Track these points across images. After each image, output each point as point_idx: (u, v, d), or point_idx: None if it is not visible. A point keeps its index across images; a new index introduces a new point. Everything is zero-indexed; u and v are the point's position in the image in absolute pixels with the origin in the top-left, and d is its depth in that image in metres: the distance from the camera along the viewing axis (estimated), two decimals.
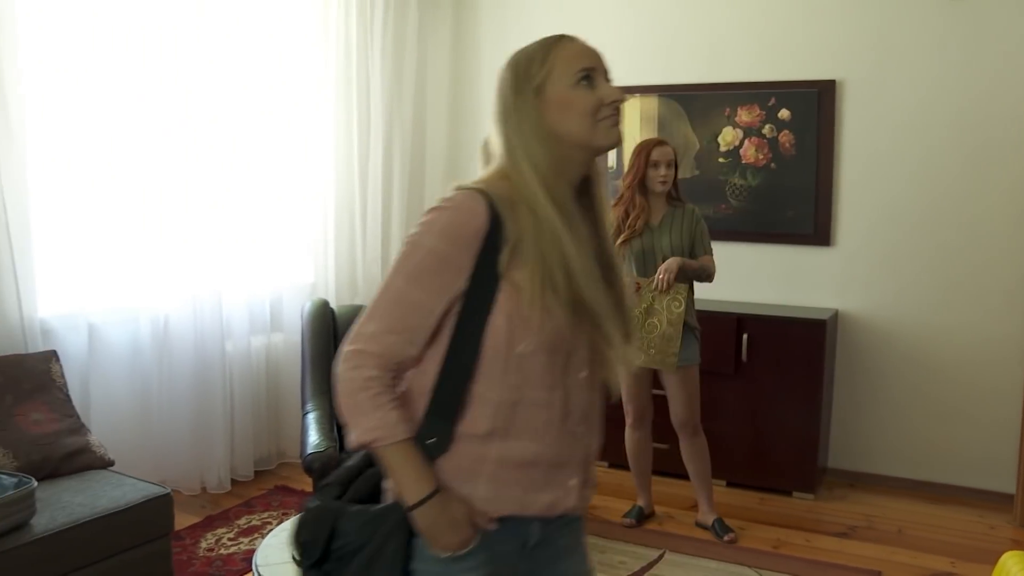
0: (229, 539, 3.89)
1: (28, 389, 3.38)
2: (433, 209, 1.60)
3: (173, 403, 4.24)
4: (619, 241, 3.91)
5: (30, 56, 3.61)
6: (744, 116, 4.90)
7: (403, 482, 1.54)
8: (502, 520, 1.60)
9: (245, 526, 4.04)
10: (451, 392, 1.58)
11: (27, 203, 3.56)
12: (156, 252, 4.14)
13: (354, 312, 4.25)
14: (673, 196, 4.02)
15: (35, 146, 3.64)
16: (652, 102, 5.11)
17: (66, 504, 3.00)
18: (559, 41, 1.68)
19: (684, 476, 4.62)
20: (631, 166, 3.98)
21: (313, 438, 3.66)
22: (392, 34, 5.27)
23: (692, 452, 4.08)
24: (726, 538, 3.97)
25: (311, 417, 3.84)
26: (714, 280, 4.00)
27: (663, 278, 3.81)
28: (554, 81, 1.63)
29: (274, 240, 4.81)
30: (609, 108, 1.63)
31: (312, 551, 1.58)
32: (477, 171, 1.75)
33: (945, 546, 3.98)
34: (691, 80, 5.03)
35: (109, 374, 4.00)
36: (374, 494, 1.67)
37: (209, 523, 4.05)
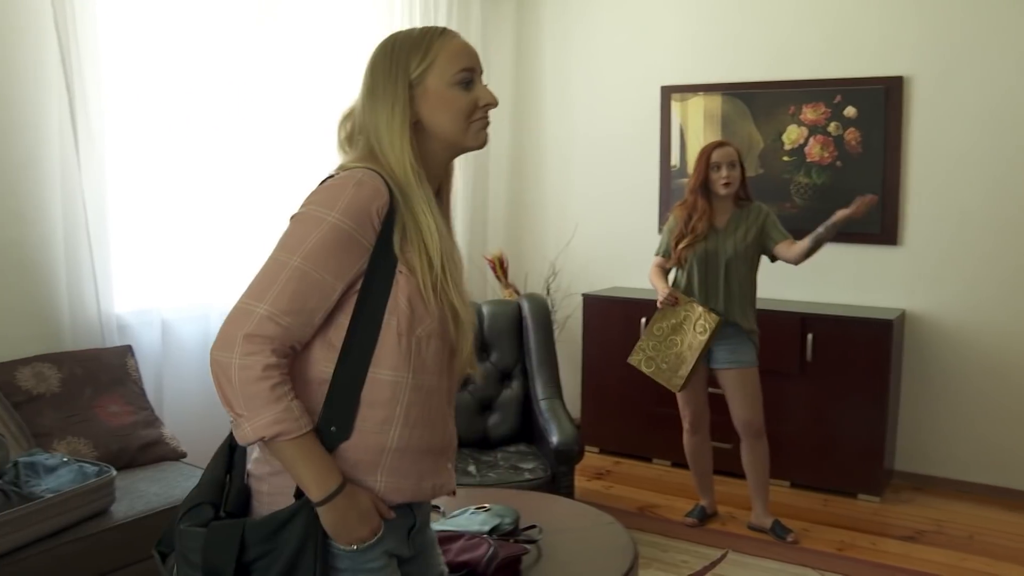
0: None
1: (106, 382, 3.51)
2: (331, 185, 1.55)
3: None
4: (682, 246, 3.90)
5: (109, 62, 3.73)
6: (809, 114, 4.85)
7: (309, 477, 1.47)
8: (396, 507, 1.59)
9: None
10: (351, 378, 1.53)
11: (105, 204, 3.68)
12: (226, 251, 4.23)
13: None
14: (741, 197, 3.97)
15: (113, 148, 3.75)
16: (715, 100, 5.09)
17: (143, 493, 3.11)
18: (442, 35, 1.66)
19: (746, 476, 4.62)
20: (694, 170, 3.96)
21: None
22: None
23: (753, 456, 4.04)
24: (789, 539, 3.94)
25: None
26: (798, 264, 3.88)
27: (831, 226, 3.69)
28: (434, 76, 1.61)
29: None
30: (482, 111, 1.64)
31: (225, 573, 1.49)
32: (341, 145, 1.74)
33: (1019, 553, 3.90)
34: (755, 78, 4.99)
35: (181, 369, 4.11)
36: (245, 502, 1.59)
37: None
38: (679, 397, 4.06)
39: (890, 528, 4.16)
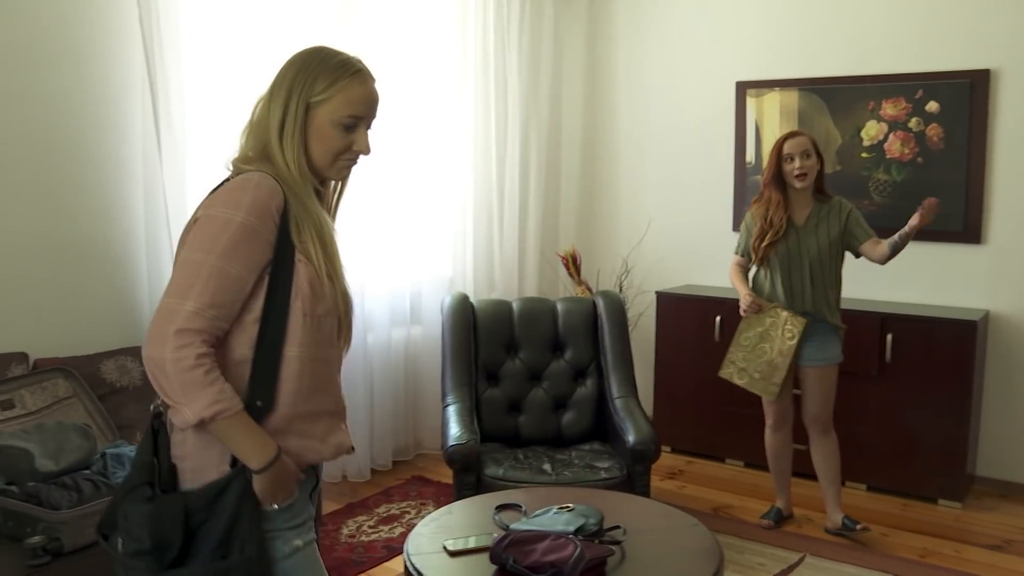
0: (369, 527, 4.01)
1: None
2: (232, 189, 1.72)
3: None
4: (763, 244, 3.79)
5: (192, 60, 3.79)
6: (889, 109, 4.73)
7: (248, 448, 1.65)
8: (303, 470, 1.78)
9: (384, 514, 4.15)
10: (270, 357, 1.71)
11: (185, 201, 3.73)
12: None
13: (494, 305, 4.33)
14: (821, 191, 3.83)
15: (194, 146, 3.82)
16: (792, 96, 5.00)
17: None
18: (352, 78, 1.82)
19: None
20: (767, 162, 3.86)
21: (454, 430, 3.73)
22: (529, 29, 5.32)
23: (823, 451, 3.94)
24: (859, 527, 3.85)
25: (452, 409, 3.92)
26: (883, 264, 3.79)
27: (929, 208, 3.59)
28: (325, 109, 1.79)
29: (414, 235, 4.90)
30: (352, 155, 1.84)
31: (173, 545, 1.65)
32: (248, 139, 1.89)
33: None
34: (833, 73, 4.88)
35: None
36: (174, 480, 1.74)
37: (350, 510, 4.18)
38: (767, 406, 4.03)
39: (974, 536, 4.04)
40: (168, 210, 3.68)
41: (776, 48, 5.06)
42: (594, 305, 4.35)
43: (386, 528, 3.99)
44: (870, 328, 4.45)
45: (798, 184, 3.71)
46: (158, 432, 1.77)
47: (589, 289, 5.25)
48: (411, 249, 4.88)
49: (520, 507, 2.73)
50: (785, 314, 3.76)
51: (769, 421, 4.05)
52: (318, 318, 1.75)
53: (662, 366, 5.12)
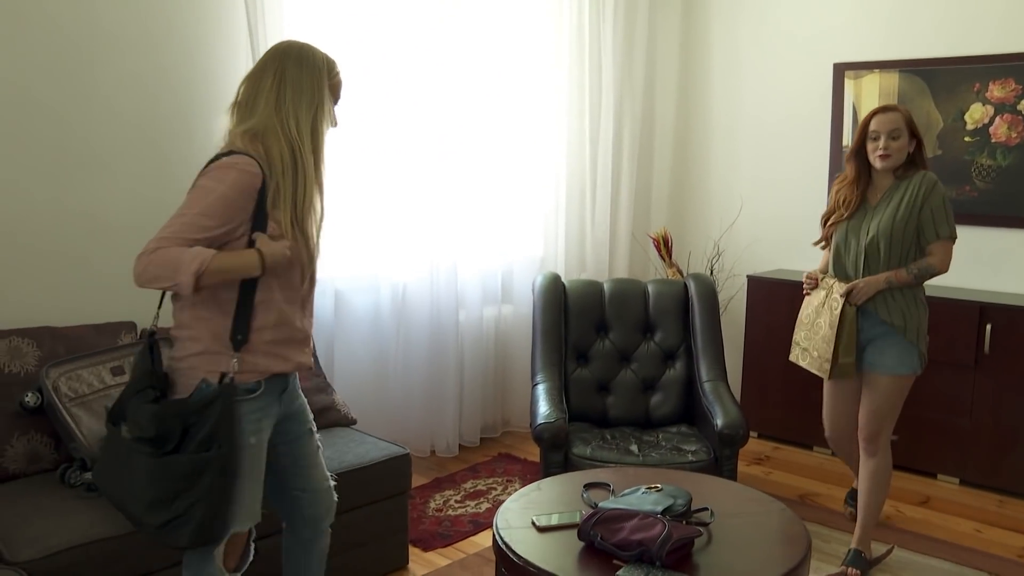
0: (456, 501, 4.09)
1: None
2: (223, 167, 2.18)
3: (408, 368, 4.48)
4: (828, 223, 3.53)
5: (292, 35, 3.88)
6: (996, 91, 4.58)
7: (242, 264, 2.18)
8: (274, 376, 2.33)
9: (471, 490, 4.23)
10: (244, 300, 2.23)
11: None
12: (398, 225, 4.37)
13: (585, 286, 4.35)
14: (908, 168, 3.40)
15: None
16: (891, 78, 4.88)
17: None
18: (335, 66, 2.40)
19: (913, 470, 4.46)
20: (855, 134, 3.51)
21: (543, 409, 3.77)
22: (624, 10, 5.29)
23: (865, 472, 3.51)
24: (849, 571, 3.43)
25: (541, 388, 3.96)
26: (949, 269, 3.36)
27: (858, 295, 3.33)
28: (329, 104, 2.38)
29: (506, 215, 4.95)
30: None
31: (172, 437, 2.16)
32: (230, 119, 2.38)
33: None
34: (936, 54, 4.75)
35: (352, 338, 4.27)
36: (168, 383, 2.30)
37: (437, 485, 4.27)
38: (823, 390, 3.72)
39: None
40: None
41: (876, 28, 4.93)
42: (685, 288, 4.34)
43: (472, 503, 4.07)
44: (968, 318, 4.34)
45: (879, 164, 3.35)
46: (153, 347, 2.32)
47: (680, 272, 5.23)
48: (503, 229, 4.94)
49: (608, 486, 2.76)
50: (832, 282, 3.46)
51: (824, 410, 3.73)
52: (284, 271, 2.27)
53: (751, 351, 5.08)
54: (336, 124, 2.42)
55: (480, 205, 4.76)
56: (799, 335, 3.65)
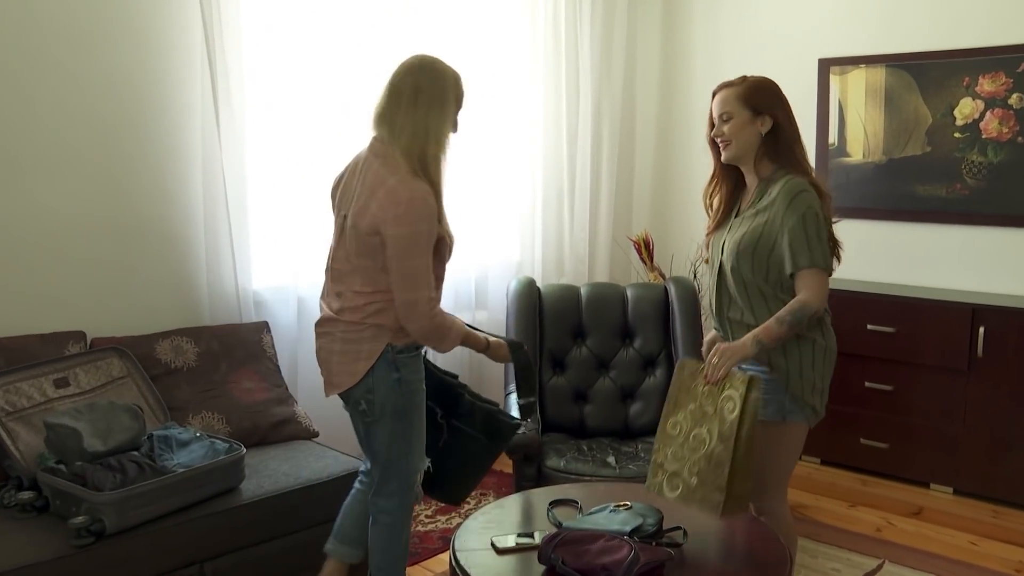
0: (427, 516, 3.91)
1: (240, 358, 3.50)
2: (412, 200, 2.44)
3: None
4: (706, 237, 2.85)
5: (251, 39, 3.72)
6: (987, 85, 4.42)
7: (477, 340, 2.75)
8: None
9: (442, 504, 4.04)
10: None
11: (244, 181, 3.68)
12: None
13: (561, 291, 4.18)
14: (774, 164, 2.64)
15: (253, 127, 3.75)
16: (878, 73, 4.71)
17: (272, 472, 3.08)
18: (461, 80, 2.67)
19: (905, 479, 4.30)
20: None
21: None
22: (602, 8, 5.12)
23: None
24: None
25: (514, 398, 3.78)
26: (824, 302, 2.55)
27: (713, 370, 2.44)
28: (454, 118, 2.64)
29: (480, 219, 4.77)
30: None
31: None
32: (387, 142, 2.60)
33: None
34: (923, 47, 4.58)
35: (309, 349, 4.07)
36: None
37: None
38: None
39: None
40: (227, 189, 3.62)
41: (862, 22, 4.76)
42: (666, 292, 4.17)
43: (443, 519, 3.88)
44: (959, 321, 4.17)
45: (722, 156, 2.68)
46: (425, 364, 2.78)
47: (662, 275, 5.06)
48: (477, 232, 4.75)
49: (576, 503, 2.58)
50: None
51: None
52: (443, 256, 2.63)
53: None
54: (457, 130, 2.64)
55: (451, 207, 4.58)
56: (662, 454, 2.49)
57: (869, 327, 4.40)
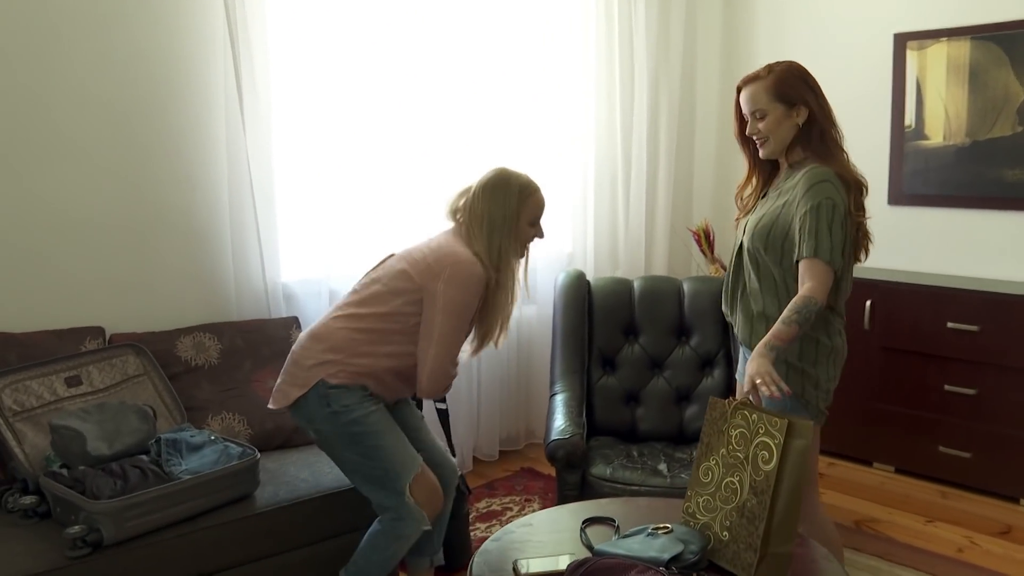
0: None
1: (267, 355, 3.30)
2: (469, 275, 2.57)
3: None
4: (736, 220, 2.78)
5: (275, 25, 3.54)
6: None
7: None
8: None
9: (484, 510, 3.80)
10: None
11: (271, 168, 3.50)
12: (395, 220, 3.97)
13: (613, 284, 3.92)
14: (801, 155, 2.53)
15: (280, 114, 3.56)
16: (962, 47, 4.31)
17: (290, 479, 2.87)
18: (537, 191, 2.73)
19: (989, 492, 3.93)
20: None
21: (558, 422, 3.35)
22: None
23: None
24: None
25: (559, 399, 3.54)
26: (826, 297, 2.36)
27: (750, 391, 2.23)
28: (524, 217, 2.70)
29: None
30: (535, 239, 2.79)
31: None
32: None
33: None
34: (1015, 16, 4.16)
35: None
36: None
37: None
38: None
39: None
40: (252, 177, 3.44)
41: None
42: None
43: (483, 527, 3.64)
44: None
45: (761, 153, 2.58)
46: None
47: (724, 267, 4.75)
48: None
49: (613, 522, 2.32)
50: (755, 416, 2.09)
51: None
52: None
53: None
54: (543, 236, 2.79)
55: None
56: (694, 503, 2.19)
57: (949, 325, 4.02)
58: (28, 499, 2.57)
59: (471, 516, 3.71)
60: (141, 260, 3.32)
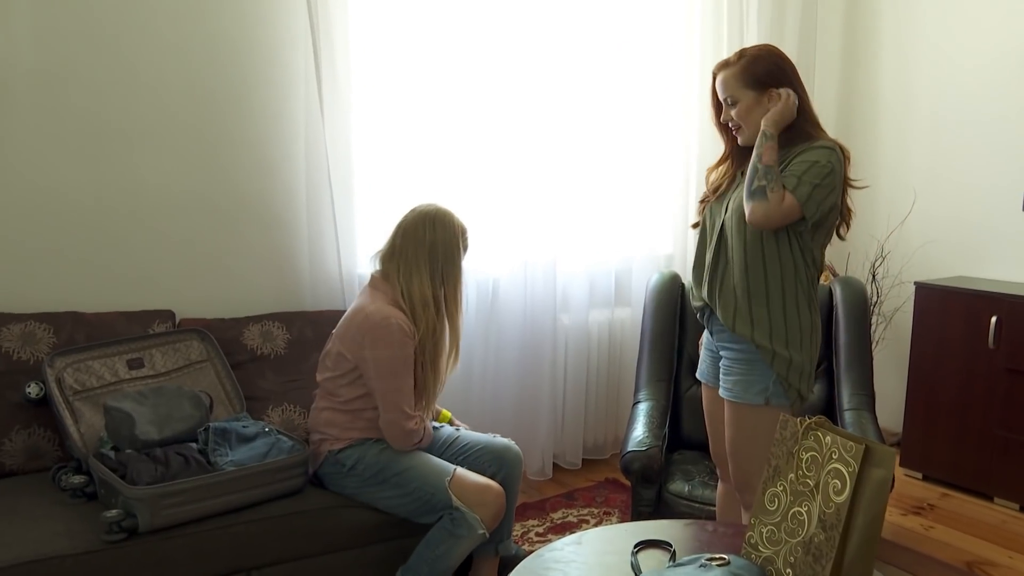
0: (537, 534, 3.48)
1: None
2: (387, 330, 2.54)
3: (498, 374, 3.92)
4: (700, 202, 2.61)
5: (357, 13, 3.44)
6: None
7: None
8: None
9: (560, 521, 3.61)
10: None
11: (350, 156, 3.40)
12: (481, 212, 3.82)
13: None
14: (786, 138, 2.36)
15: (359, 102, 3.46)
16: None
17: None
18: (465, 233, 2.77)
19: None
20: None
21: (637, 433, 3.16)
22: None
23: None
24: None
25: (641, 408, 3.35)
26: (766, 223, 2.25)
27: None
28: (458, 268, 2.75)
29: (625, 207, 4.30)
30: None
31: None
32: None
33: None
34: None
35: None
36: None
37: (521, 511, 3.66)
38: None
39: None
40: (330, 166, 3.35)
41: None
42: (830, 293, 3.57)
43: (556, 538, 3.44)
44: None
45: (739, 140, 2.44)
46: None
47: (834, 273, 4.42)
48: (620, 222, 4.29)
49: (669, 546, 2.09)
50: (829, 438, 1.81)
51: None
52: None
53: (918, 372, 4.18)
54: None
55: (592, 195, 4.17)
56: (757, 532, 1.91)
57: None
58: (78, 479, 2.52)
59: (544, 527, 3.54)
60: (216, 246, 3.28)
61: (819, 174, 2.26)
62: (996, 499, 3.93)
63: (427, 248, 2.66)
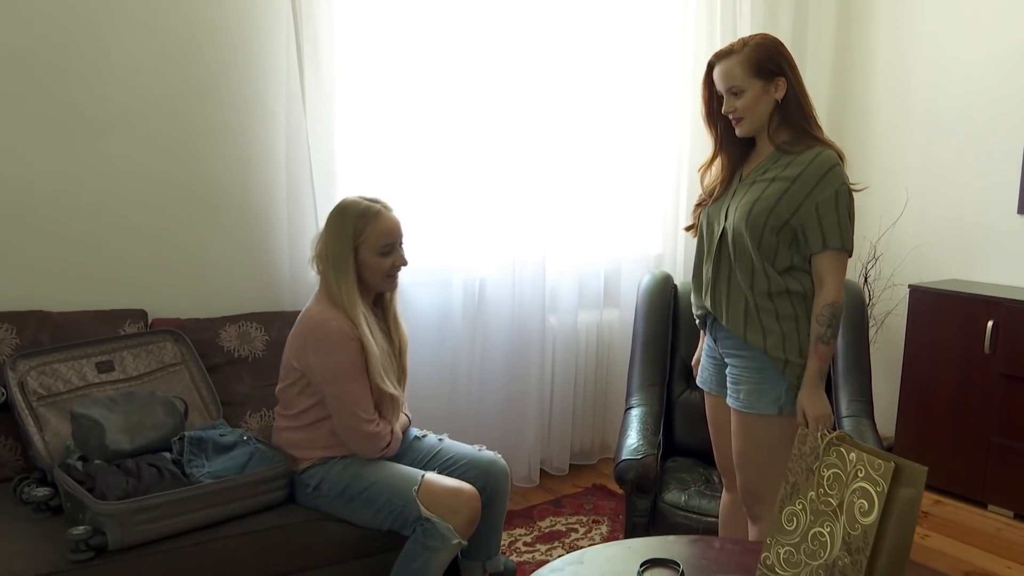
0: (525, 543, 3.36)
1: None
2: (327, 333, 2.44)
3: (484, 376, 3.80)
4: (695, 209, 2.51)
5: (341, 5, 3.30)
6: None
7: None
8: None
9: (547, 529, 3.49)
10: None
11: (333, 152, 3.27)
12: (463, 212, 3.70)
13: None
14: (788, 134, 2.30)
15: (342, 88, 3.31)
16: None
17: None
18: (376, 216, 2.53)
19: None
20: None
21: (631, 440, 3.04)
22: None
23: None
24: None
25: (634, 414, 3.23)
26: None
27: (815, 425, 2.18)
28: (367, 248, 2.52)
29: (614, 206, 4.19)
30: (395, 270, 2.59)
31: None
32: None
33: None
34: None
35: (416, 337, 3.60)
36: None
37: (508, 519, 3.53)
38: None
39: None
40: (312, 160, 3.20)
41: None
42: None
43: (544, 547, 3.33)
44: None
45: (737, 132, 2.34)
46: None
47: None
48: (609, 222, 4.17)
49: (677, 566, 1.98)
50: (854, 455, 1.69)
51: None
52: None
53: (911, 377, 4.10)
54: (404, 263, 2.61)
55: (581, 193, 4.05)
56: (773, 553, 1.79)
57: None
58: (42, 491, 2.37)
59: (532, 536, 3.41)
60: (191, 241, 3.12)
61: (844, 203, 2.23)
62: (990, 506, 3.86)
63: (329, 257, 2.51)
